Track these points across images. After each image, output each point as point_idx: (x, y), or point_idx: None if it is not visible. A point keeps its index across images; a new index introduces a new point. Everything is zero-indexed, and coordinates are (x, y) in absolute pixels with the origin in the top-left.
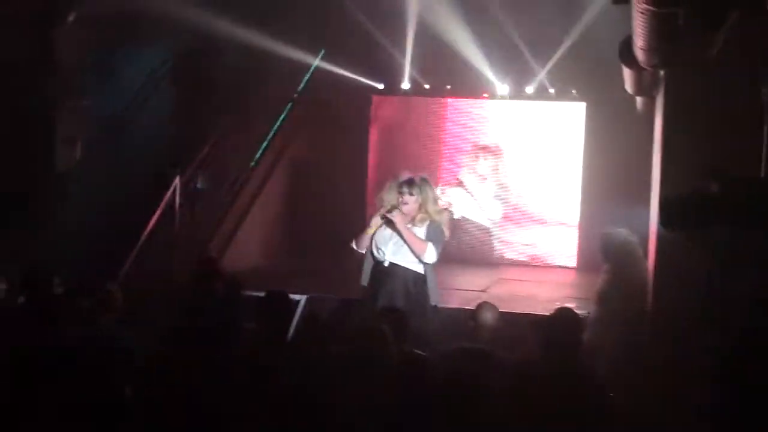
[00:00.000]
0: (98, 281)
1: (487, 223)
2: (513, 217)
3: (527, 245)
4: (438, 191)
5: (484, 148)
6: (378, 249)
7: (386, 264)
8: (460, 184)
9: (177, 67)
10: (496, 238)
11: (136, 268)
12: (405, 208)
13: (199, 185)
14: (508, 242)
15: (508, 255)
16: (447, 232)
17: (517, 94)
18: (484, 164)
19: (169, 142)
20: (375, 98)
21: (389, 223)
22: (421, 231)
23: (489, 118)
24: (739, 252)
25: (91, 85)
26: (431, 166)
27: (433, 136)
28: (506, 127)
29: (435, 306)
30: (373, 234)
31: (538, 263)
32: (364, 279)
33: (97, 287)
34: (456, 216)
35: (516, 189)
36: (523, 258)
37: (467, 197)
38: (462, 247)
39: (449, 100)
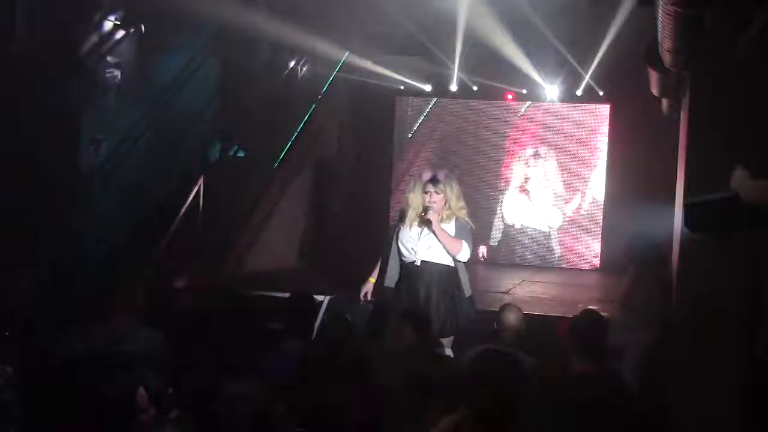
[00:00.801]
0: (120, 281)
1: (546, 230)
2: (571, 223)
3: (589, 254)
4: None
5: (535, 155)
6: (407, 249)
7: (417, 263)
8: (516, 191)
9: (205, 66)
10: (555, 245)
11: (158, 268)
12: (433, 207)
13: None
14: (567, 250)
15: (572, 264)
16: (473, 226)
17: (543, 96)
18: (535, 171)
19: (196, 141)
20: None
21: (426, 223)
22: (449, 228)
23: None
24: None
25: (116, 85)
26: (487, 172)
27: (478, 140)
28: (544, 130)
29: (470, 297)
30: (397, 234)
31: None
32: (390, 280)
33: (118, 287)
34: (517, 226)
35: (570, 194)
36: (587, 267)
37: (525, 204)
38: (522, 255)
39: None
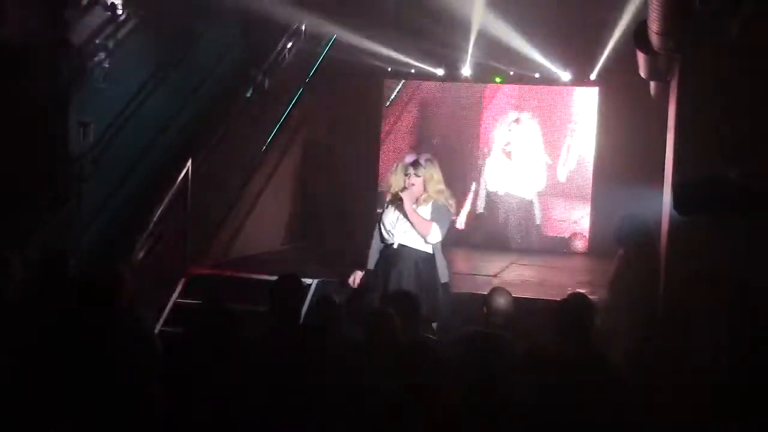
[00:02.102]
0: (109, 264)
1: (529, 196)
2: (554, 191)
3: (572, 222)
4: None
5: (517, 120)
6: (387, 231)
7: (395, 246)
8: (499, 155)
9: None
10: (539, 213)
11: (148, 252)
12: (412, 189)
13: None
14: (548, 218)
15: (551, 232)
16: (453, 211)
17: (529, 78)
18: (517, 135)
19: (183, 126)
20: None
21: (398, 202)
22: (425, 211)
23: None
24: (756, 237)
25: (104, 69)
26: (467, 143)
27: (465, 116)
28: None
29: (446, 284)
30: (381, 216)
31: (580, 240)
32: (371, 262)
33: (107, 270)
34: (501, 193)
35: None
36: (564, 235)
37: (507, 170)
38: (505, 223)
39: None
